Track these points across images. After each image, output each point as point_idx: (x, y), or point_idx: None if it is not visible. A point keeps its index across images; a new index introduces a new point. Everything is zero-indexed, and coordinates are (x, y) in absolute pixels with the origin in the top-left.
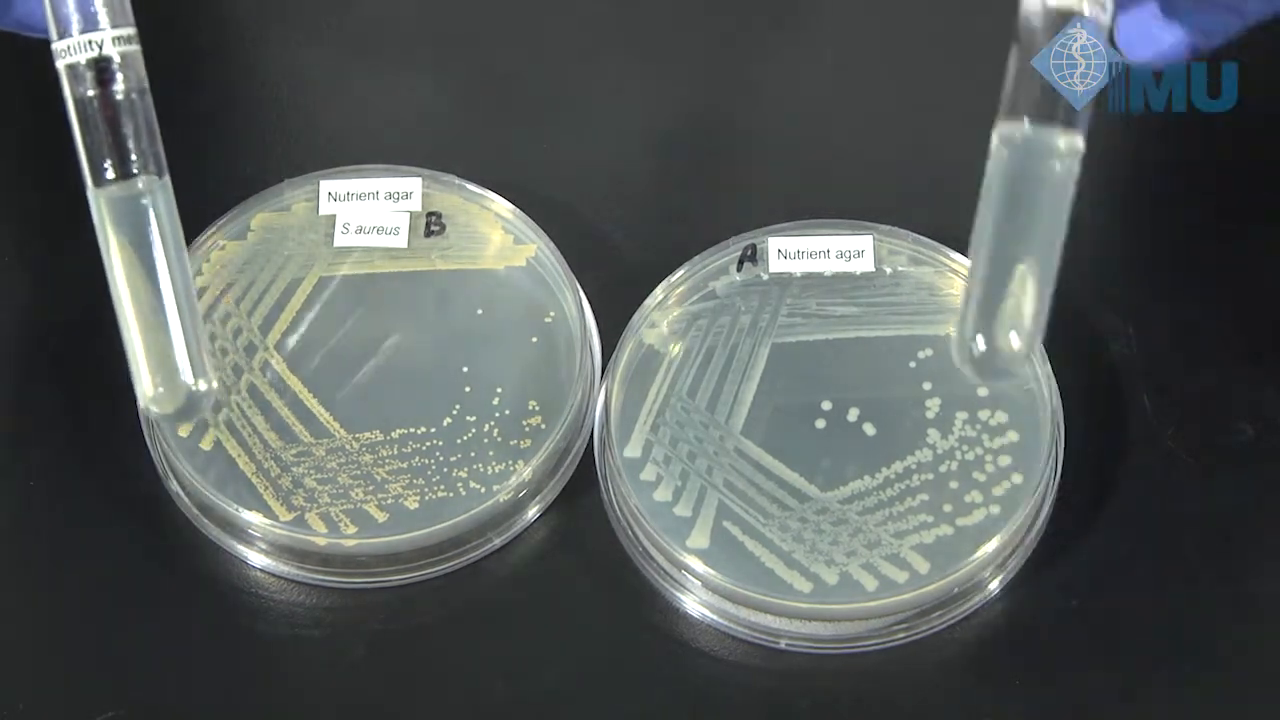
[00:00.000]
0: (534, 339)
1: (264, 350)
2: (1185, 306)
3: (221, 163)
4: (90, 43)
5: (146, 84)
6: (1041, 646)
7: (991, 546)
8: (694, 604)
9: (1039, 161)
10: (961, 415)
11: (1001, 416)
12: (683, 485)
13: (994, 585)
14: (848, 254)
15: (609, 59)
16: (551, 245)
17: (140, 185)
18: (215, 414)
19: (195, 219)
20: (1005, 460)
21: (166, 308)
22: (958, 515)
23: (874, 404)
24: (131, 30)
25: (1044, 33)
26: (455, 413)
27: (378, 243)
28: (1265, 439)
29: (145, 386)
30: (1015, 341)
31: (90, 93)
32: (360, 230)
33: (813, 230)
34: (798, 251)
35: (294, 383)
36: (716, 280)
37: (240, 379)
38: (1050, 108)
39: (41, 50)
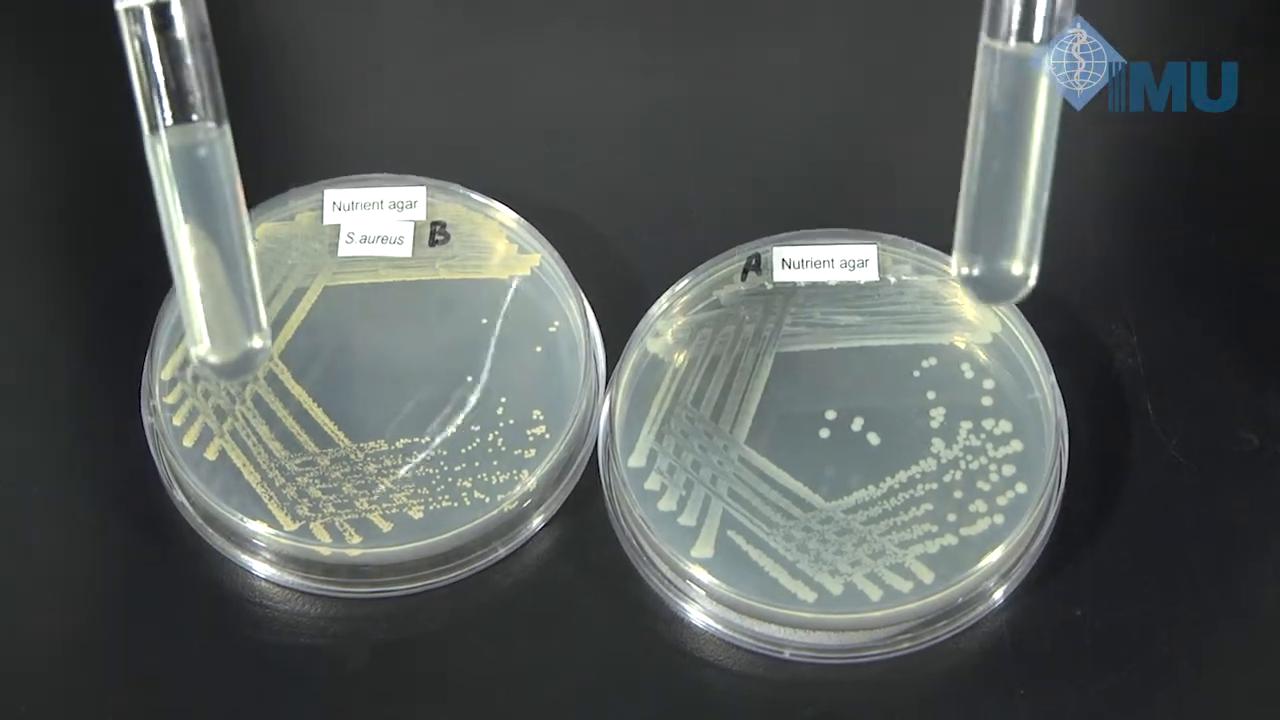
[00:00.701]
0: (538, 348)
1: (268, 360)
2: (1189, 315)
3: None
4: None
5: (208, 28)
6: (1045, 656)
7: (995, 556)
8: (698, 614)
9: (1028, 74)
10: (966, 424)
11: (1005, 426)
12: (687, 495)
13: (998, 595)
14: (852, 263)
15: (613, 68)
16: (556, 254)
17: (199, 133)
18: (220, 424)
19: None
20: (1009, 469)
21: (224, 263)
22: (962, 525)
23: (878, 413)
24: None
25: None
26: (459, 422)
27: (382, 252)
28: (1269, 448)
29: (201, 339)
30: (1015, 264)
31: (150, 35)
32: (365, 240)
33: (817, 239)
34: (802, 261)
35: (298, 392)
36: (721, 289)
37: (245, 388)
38: (1030, 21)
39: None
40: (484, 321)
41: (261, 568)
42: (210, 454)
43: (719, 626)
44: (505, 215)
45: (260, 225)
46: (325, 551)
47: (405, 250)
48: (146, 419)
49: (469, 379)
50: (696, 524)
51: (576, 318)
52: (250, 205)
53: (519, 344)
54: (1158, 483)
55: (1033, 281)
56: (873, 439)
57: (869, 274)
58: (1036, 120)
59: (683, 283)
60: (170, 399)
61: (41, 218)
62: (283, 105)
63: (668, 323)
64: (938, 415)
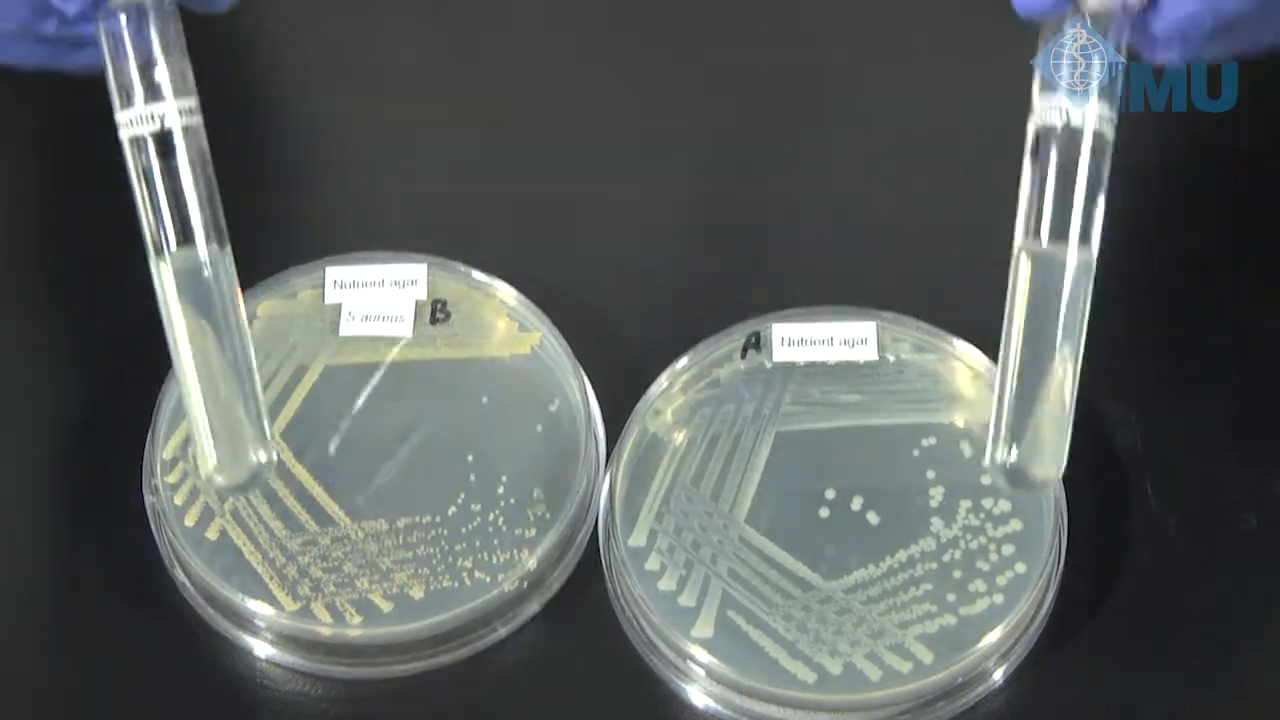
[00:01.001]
0: (539, 427)
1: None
2: (1189, 395)
3: None
4: (153, 115)
5: (209, 155)
6: None
7: (995, 636)
8: (699, 694)
9: (1057, 274)
10: (965, 504)
11: (1005, 505)
12: (687, 574)
13: (998, 675)
14: (851, 341)
15: (613, 146)
16: (556, 333)
17: (202, 257)
18: (221, 503)
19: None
20: (1009, 549)
21: (229, 380)
22: (961, 604)
23: (878, 492)
24: (194, 101)
25: (1058, 150)
26: (460, 501)
27: (383, 330)
28: (1268, 528)
29: (208, 458)
30: (1044, 457)
31: (154, 164)
32: (366, 318)
33: (816, 317)
34: (801, 339)
35: (299, 471)
36: (720, 368)
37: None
38: (1065, 224)
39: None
40: (485, 400)
41: (262, 648)
42: (211, 533)
43: (719, 707)
44: (506, 293)
45: (262, 303)
46: (326, 631)
47: (406, 328)
48: (148, 498)
49: (469, 457)
50: (697, 604)
51: (577, 396)
52: (252, 283)
53: (519, 422)
54: (1157, 563)
55: (1061, 474)
56: (872, 518)
57: (868, 352)
58: (1072, 319)
59: (682, 361)
60: (171, 478)
61: (43, 295)
62: (284, 182)
63: (667, 401)
64: (937, 494)
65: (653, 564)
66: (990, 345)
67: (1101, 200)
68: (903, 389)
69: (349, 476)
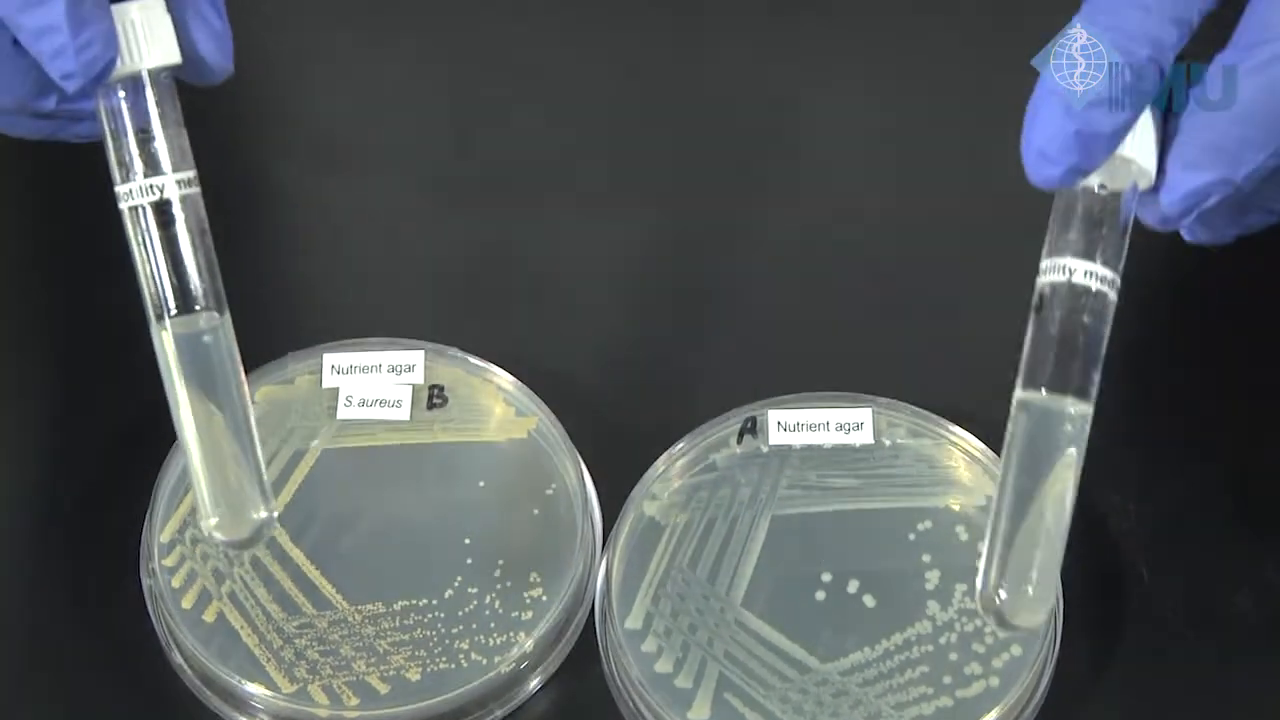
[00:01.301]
0: (536, 510)
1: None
2: (1185, 481)
3: None
4: (152, 186)
5: (206, 224)
6: None
7: (991, 719)
8: None
9: (1054, 426)
10: (961, 587)
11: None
12: (683, 657)
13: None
14: (847, 426)
15: (608, 231)
16: (553, 417)
17: (202, 323)
18: (218, 585)
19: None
20: (1004, 632)
21: (229, 439)
22: (957, 687)
23: (874, 576)
24: (192, 173)
25: (1060, 309)
26: (457, 584)
27: (380, 415)
28: (1263, 612)
29: (209, 516)
30: (1032, 602)
31: (153, 234)
32: (363, 403)
33: (812, 402)
34: (797, 424)
35: (296, 555)
36: (717, 452)
37: (243, 551)
38: (1064, 379)
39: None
40: (481, 484)
41: None
42: (209, 616)
43: None
44: (503, 378)
45: (260, 389)
46: (323, 714)
47: (404, 413)
48: (145, 581)
49: (466, 541)
50: (693, 686)
51: (573, 480)
52: (250, 369)
53: (516, 506)
54: (1153, 648)
55: (1048, 618)
56: (868, 601)
57: (864, 437)
58: (1065, 471)
59: (679, 446)
60: (169, 561)
61: (40, 374)
62: (281, 270)
63: (664, 485)
64: (933, 578)
65: (649, 646)
66: (985, 429)
67: (1101, 358)
68: (899, 473)
69: (346, 559)
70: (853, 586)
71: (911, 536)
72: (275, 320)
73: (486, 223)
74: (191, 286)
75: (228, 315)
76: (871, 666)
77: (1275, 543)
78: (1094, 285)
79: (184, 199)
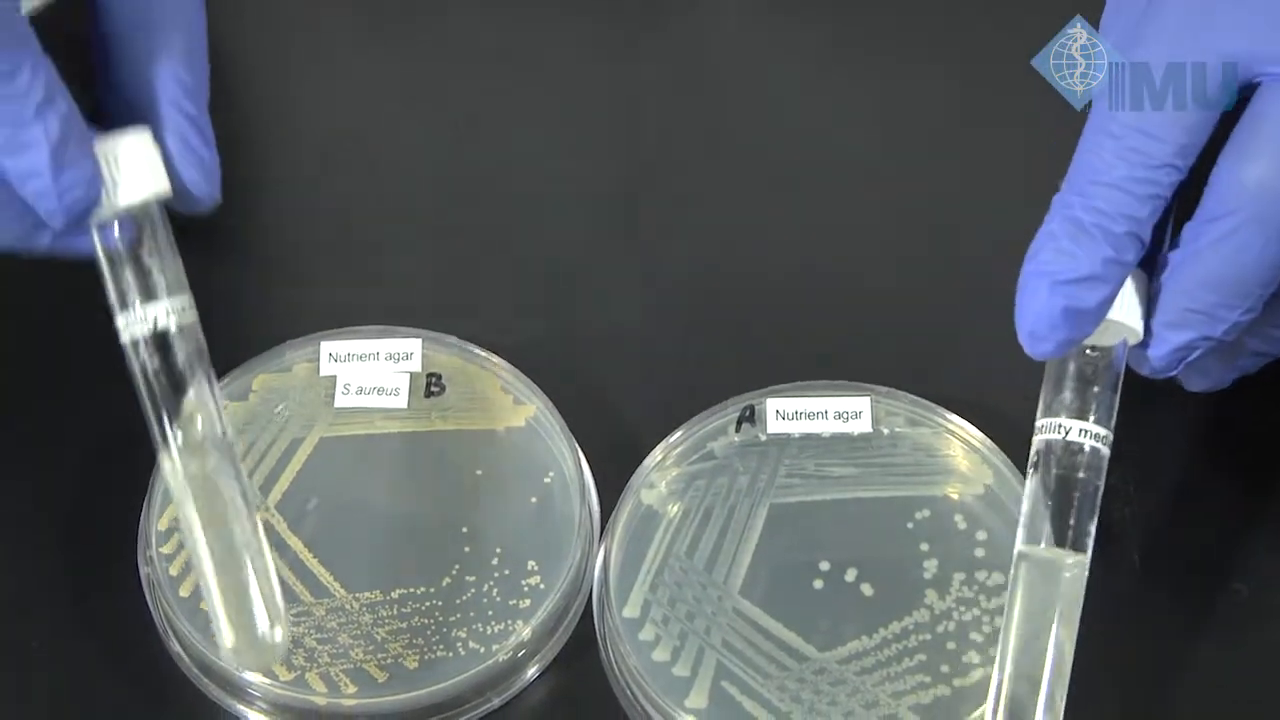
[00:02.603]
0: (533, 499)
1: (264, 510)
2: (1180, 466)
3: (223, 324)
4: (148, 316)
5: (205, 347)
6: None
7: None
8: None
9: (1053, 576)
10: (959, 576)
11: (998, 577)
12: (681, 645)
13: None
14: (845, 415)
15: (607, 221)
16: (550, 405)
17: (206, 447)
18: None
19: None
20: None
21: (241, 562)
22: (955, 676)
23: (872, 564)
24: (188, 298)
25: (1057, 467)
26: (455, 573)
27: (378, 403)
28: (1259, 600)
29: (226, 639)
30: None
31: (153, 362)
32: (361, 391)
33: (810, 391)
34: (795, 412)
35: (294, 542)
36: (715, 441)
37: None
38: (1061, 533)
39: None
40: (479, 472)
41: (257, 718)
42: (206, 604)
43: None
44: (501, 366)
45: (258, 377)
46: (321, 701)
47: (401, 401)
48: (143, 569)
49: (464, 529)
50: (691, 674)
51: (571, 469)
52: (247, 358)
53: (514, 495)
54: (1148, 633)
55: None
56: (866, 590)
57: (862, 426)
58: (1067, 618)
59: (676, 434)
60: (166, 549)
61: (36, 372)
62: (280, 257)
63: (662, 474)
64: (931, 566)
65: (647, 634)
66: (984, 418)
67: (1096, 509)
68: (897, 462)
69: (344, 547)
70: (850, 575)
71: (909, 525)
72: (273, 308)
73: (486, 211)
74: (193, 417)
75: (231, 436)
76: (869, 655)
77: (1271, 525)
78: (1088, 443)
79: (181, 327)
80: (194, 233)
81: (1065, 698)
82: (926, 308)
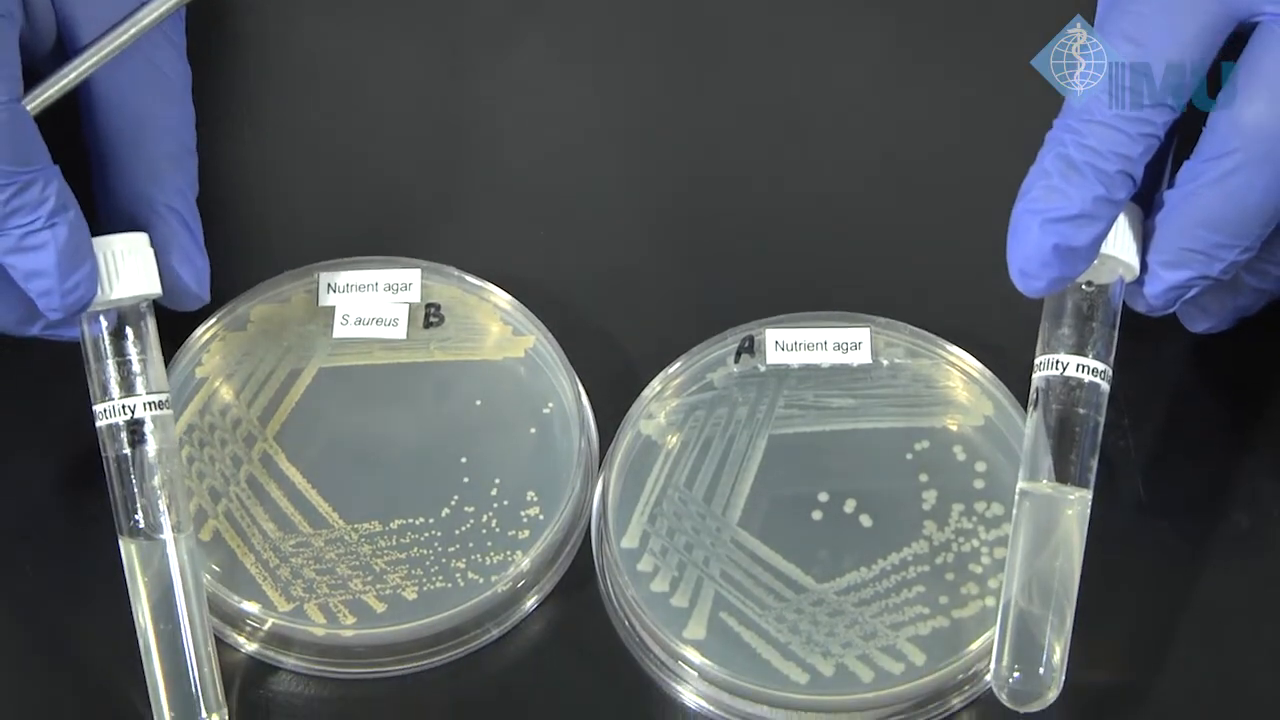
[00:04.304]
0: (532, 430)
1: (263, 441)
2: (1181, 398)
3: (220, 255)
4: (126, 407)
5: (177, 443)
6: None
7: (987, 638)
8: (691, 695)
9: (1056, 513)
10: (958, 507)
11: (998, 509)
12: (679, 576)
13: (989, 677)
14: (845, 346)
15: (607, 152)
16: (550, 336)
17: (165, 537)
18: (215, 505)
19: (195, 310)
20: (1001, 552)
21: (184, 647)
22: (954, 607)
23: (871, 495)
24: (165, 395)
25: (1057, 403)
26: (454, 503)
27: (377, 334)
28: (1260, 530)
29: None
30: (1045, 676)
31: (125, 451)
32: (359, 321)
33: (810, 322)
34: (795, 343)
35: (293, 473)
36: (714, 372)
37: (239, 469)
38: (1064, 469)
39: None
40: (478, 403)
41: (255, 648)
42: (205, 535)
43: (711, 708)
44: (500, 297)
45: (256, 307)
46: (319, 632)
47: (400, 332)
48: None
49: (463, 460)
50: (689, 605)
51: (570, 400)
52: (246, 287)
53: (513, 425)
54: (1150, 564)
55: (1058, 694)
56: (865, 521)
57: (862, 357)
58: (1068, 553)
59: (675, 365)
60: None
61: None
62: (277, 188)
63: (661, 405)
64: (930, 498)
65: (645, 566)
66: (983, 349)
67: (1097, 445)
68: (896, 393)
69: (342, 478)
70: (849, 506)
71: (909, 456)
72: (272, 239)
73: (485, 143)
74: (158, 507)
75: (190, 533)
76: (868, 586)
77: (1271, 456)
78: (1087, 379)
79: (155, 420)
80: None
81: (1070, 632)
82: (927, 239)
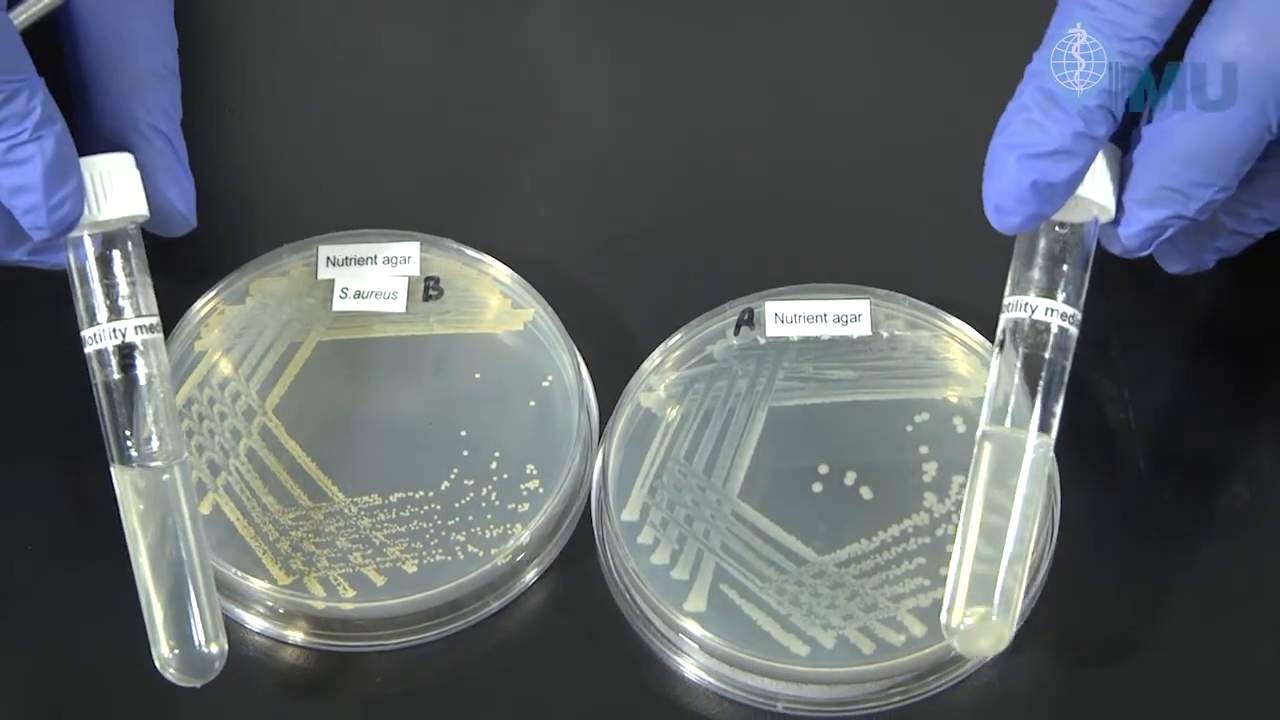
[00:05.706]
0: (532, 403)
1: (262, 414)
2: (1181, 370)
3: (219, 227)
4: (115, 331)
5: (168, 368)
6: (1038, 710)
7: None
8: (691, 667)
9: (1017, 458)
10: (958, 479)
11: None
12: (680, 549)
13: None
14: (845, 318)
15: (607, 125)
16: (549, 309)
17: (160, 463)
18: (214, 478)
19: (194, 284)
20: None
21: (183, 576)
22: None
23: (871, 468)
24: (155, 319)
25: (1024, 345)
26: (453, 476)
27: (376, 307)
28: (1260, 503)
29: (162, 650)
30: (994, 622)
31: (115, 377)
32: (358, 295)
33: (809, 294)
34: (794, 315)
35: (292, 446)
36: (714, 344)
37: (239, 443)
38: (1026, 414)
39: None
40: (478, 376)
41: (255, 622)
42: (204, 508)
43: (712, 680)
44: (499, 270)
45: (255, 280)
46: (319, 605)
47: (399, 305)
48: None
49: (462, 433)
50: (689, 578)
51: (569, 372)
52: (245, 261)
53: (512, 398)
54: (1149, 536)
55: (1008, 641)
56: (865, 493)
57: (862, 329)
58: (1029, 498)
59: (675, 337)
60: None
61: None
62: (277, 161)
63: (660, 377)
64: (930, 470)
65: (646, 538)
66: (983, 322)
67: (1063, 390)
68: (896, 365)
69: (342, 451)
70: (850, 479)
71: (909, 428)
72: (270, 211)
73: (483, 115)
74: (151, 432)
75: (185, 456)
76: (868, 559)
77: (1272, 430)
78: (1056, 323)
79: (146, 343)
80: (194, 135)
81: (1026, 577)
82: (926, 212)
